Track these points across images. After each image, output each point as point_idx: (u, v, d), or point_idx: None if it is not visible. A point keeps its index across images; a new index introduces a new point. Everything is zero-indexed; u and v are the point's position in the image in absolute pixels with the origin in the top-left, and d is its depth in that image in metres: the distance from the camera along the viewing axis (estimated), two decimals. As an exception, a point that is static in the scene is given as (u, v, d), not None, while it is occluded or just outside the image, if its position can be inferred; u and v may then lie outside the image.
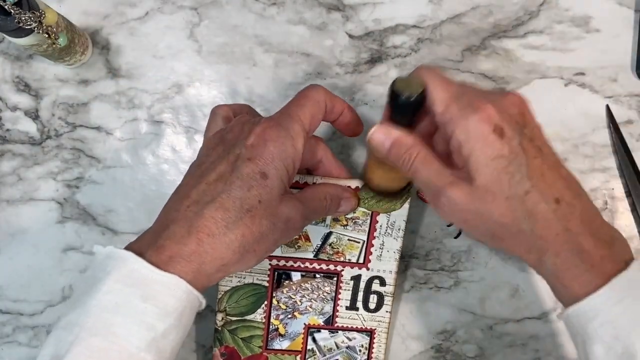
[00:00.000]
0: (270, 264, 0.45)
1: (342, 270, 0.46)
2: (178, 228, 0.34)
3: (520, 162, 0.32)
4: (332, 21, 0.50)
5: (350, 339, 0.47)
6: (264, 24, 0.50)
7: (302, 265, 0.45)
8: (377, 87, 0.50)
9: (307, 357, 0.47)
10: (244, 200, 0.34)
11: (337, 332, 0.47)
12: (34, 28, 0.40)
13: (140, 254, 0.33)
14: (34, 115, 0.49)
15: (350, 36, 0.50)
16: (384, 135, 0.37)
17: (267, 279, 0.45)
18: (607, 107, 0.50)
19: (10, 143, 0.50)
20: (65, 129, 0.49)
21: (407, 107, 0.35)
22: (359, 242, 0.45)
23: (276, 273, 0.45)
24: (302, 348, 0.47)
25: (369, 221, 0.44)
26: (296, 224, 0.37)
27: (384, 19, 0.50)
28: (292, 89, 0.50)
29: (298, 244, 0.45)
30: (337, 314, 0.47)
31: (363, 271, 0.46)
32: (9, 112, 0.49)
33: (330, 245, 0.45)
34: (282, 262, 0.45)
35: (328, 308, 0.46)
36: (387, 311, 0.47)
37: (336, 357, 0.47)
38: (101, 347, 0.31)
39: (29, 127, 0.49)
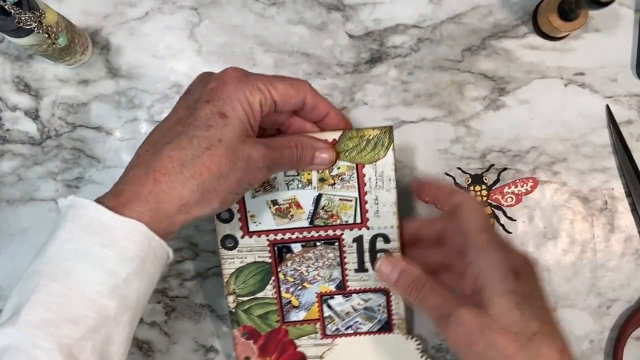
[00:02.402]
0: (267, 240, 0.45)
1: (342, 234, 0.45)
2: (136, 171, 0.35)
3: (531, 304, 0.35)
4: (332, 21, 0.50)
5: (366, 300, 0.46)
6: (264, 24, 0.50)
7: (300, 236, 0.45)
8: (377, 87, 0.50)
9: (326, 323, 0.47)
10: (202, 139, 0.35)
11: (351, 295, 0.46)
12: (34, 28, 0.40)
13: (101, 201, 0.33)
14: (34, 115, 0.49)
15: (350, 36, 0.50)
16: (391, 266, 0.41)
17: (269, 254, 0.45)
18: (607, 107, 0.50)
19: (10, 143, 0.50)
20: (65, 129, 0.49)
21: None
22: (351, 201, 0.44)
23: (276, 248, 0.45)
24: (319, 316, 0.46)
25: (355, 175, 0.43)
26: (258, 164, 0.36)
27: (384, 19, 0.50)
28: (292, 89, 0.50)
29: (291, 213, 0.44)
30: (346, 278, 0.45)
31: (363, 231, 0.44)
32: (9, 112, 0.49)
33: (323, 209, 0.44)
34: (279, 236, 0.45)
35: (337, 274, 0.45)
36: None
37: (356, 320, 0.46)
38: (62, 293, 0.31)
39: (29, 127, 0.49)
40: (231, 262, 0.45)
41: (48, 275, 0.32)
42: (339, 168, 0.43)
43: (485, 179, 0.50)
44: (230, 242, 0.45)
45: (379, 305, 0.46)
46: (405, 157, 0.50)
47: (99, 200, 0.34)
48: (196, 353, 0.50)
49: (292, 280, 0.45)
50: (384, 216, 0.44)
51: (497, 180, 0.50)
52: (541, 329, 0.34)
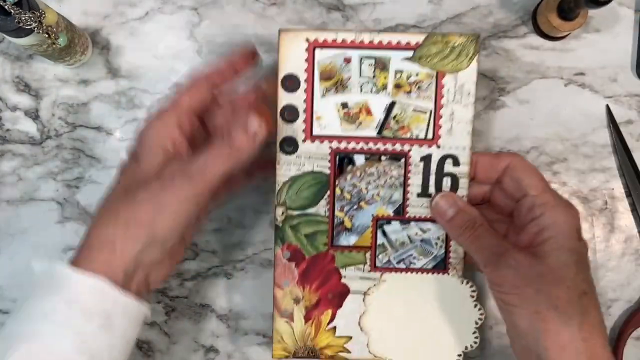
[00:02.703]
0: (330, 147, 0.42)
1: (410, 150, 0.42)
2: (88, 229, 0.37)
3: (586, 266, 0.37)
4: (332, 21, 0.50)
5: (424, 231, 0.43)
6: (264, 24, 0.50)
7: (366, 147, 0.42)
8: (377, 87, 0.50)
9: (377, 253, 0.43)
10: (122, 186, 0.38)
11: (409, 223, 0.43)
12: (34, 28, 0.40)
13: (72, 257, 0.36)
14: (34, 115, 0.49)
15: (350, 36, 0.50)
16: (449, 203, 0.41)
17: (329, 165, 0.42)
18: (607, 107, 0.50)
19: (10, 143, 0.50)
20: (65, 129, 0.49)
21: None
22: (425, 113, 0.41)
23: (337, 157, 0.42)
24: (371, 243, 0.43)
25: (434, 85, 0.41)
26: (173, 179, 0.37)
27: (384, 19, 0.50)
28: (292, 89, 0.50)
29: (359, 120, 0.41)
30: (407, 202, 0.43)
31: (433, 149, 0.42)
32: (9, 112, 0.49)
33: (394, 118, 0.41)
34: (343, 145, 0.42)
35: (397, 196, 0.43)
36: (463, 195, 0.42)
37: (410, 252, 0.43)
38: (33, 354, 0.33)
39: (29, 127, 0.49)
40: (287, 168, 0.42)
41: (19, 337, 0.33)
42: (417, 75, 0.41)
43: (485, 179, 0.50)
44: (289, 146, 0.42)
45: (438, 238, 0.43)
46: (405, 157, 0.50)
47: (80, 254, 0.36)
48: (196, 353, 0.50)
49: (349, 197, 0.42)
50: (457, 134, 0.41)
51: (497, 180, 0.50)
52: (590, 291, 0.36)
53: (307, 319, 0.44)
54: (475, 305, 0.43)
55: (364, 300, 0.44)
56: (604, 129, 0.50)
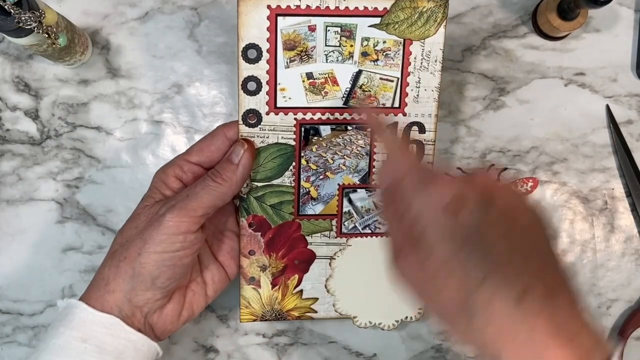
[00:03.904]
0: (295, 118, 0.41)
1: (376, 119, 0.41)
2: (120, 264, 0.38)
3: (476, 243, 0.28)
4: (332, 21, 0.50)
5: None
6: (264, 24, 0.50)
7: (332, 117, 0.41)
8: (377, 87, 0.50)
9: (343, 220, 0.44)
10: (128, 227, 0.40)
11: (375, 190, 0.43)
12: (34, 28, 0.40)
13: (88, 295, 0.38)
14: (34, 115, 0.49)
15: (350, 36, 0.50)
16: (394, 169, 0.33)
17: (294, 136, 0.41)
18: (607, 107, 0.50)
19: (10, 143, 0.50)
20: (65, 129, 0.49)
21: None
22: (392, 81, 0.41)
23: (303, 128, 0.41)
24: (337, 211, 0.43)
25: (401, 52, 0.40)
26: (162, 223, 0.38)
27: (384, 19, 0.50)
28: (292, 89, 0.50)
29: (325, 90, 0.40)
30: (373, 170, 0.42)
31: (399, 117, 0.41)
32: (9, 112, 0.49)
33: (361, 87, 0.40)
34: (308, 115, 0.41)
35: (363, 164, 0.42)
36: (429, 162, 0.43)
37: (375, 218, 0.44)
38: None
39: (29, 127, 0.49)
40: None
41: None
42: (384, 42, 0.40)
43: (485, 179, 0.50)
44: (252, 118, 0.41)
45: None
46: (405, 157, 0.50)
47: (86, 293, 0.38)
48: (196, 353, 0.50)
49: (315, 168, 0.42)
50: (423, 102, 0.41)
51: (497, 181, 0.50)
52: (494, 271, 0.27)
53: (274, 284, 0.45)
54: None
55: (330, 264, 0.45)
56: (604, 129, 0.50)
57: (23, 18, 0.39)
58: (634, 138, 0.50)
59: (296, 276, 0.45)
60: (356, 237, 0.44)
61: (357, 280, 0.45)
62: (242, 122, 0.41)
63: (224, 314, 0.50)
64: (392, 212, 0.33)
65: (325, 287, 0.45)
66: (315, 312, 0.46)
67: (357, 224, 0.44)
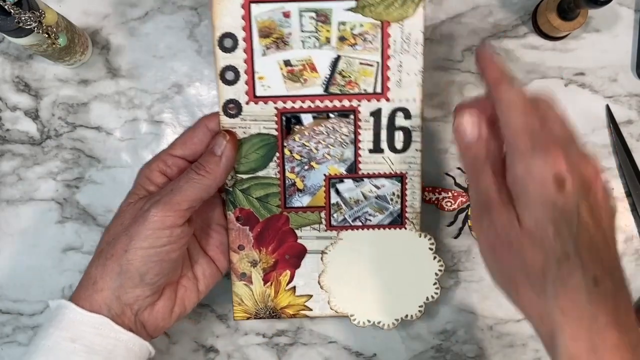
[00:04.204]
0: (275, 108, 0.40)
1: (359, 105, 0.40)
2: (108, 263, 0.38)
3: (571, 221, 0.29)
4: (332, 21, 0.50)
5: (378, 187, 0.42)
6: (264, 24, 0.50)
7: (313, 105, 0.40)
8: (377, 87, 0.50)
9: (332, 212, 0.43)
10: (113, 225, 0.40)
11: (363, 180, 0.41)
12: (34, 28, 0.40)
13: (77, 295, 0.38)
14: (34, 115, 0.49)
15: (350, 36, 0.50)
16: (472, 126, 0.33)
17: (275, 126, 0.41)
18: (607, 107, 0.50)
19: (10, 143, 0.50)
20: (65, 129, 0.49)
21: None
22: (372, 65, 0.39)
23: (284, 118, 0.40)
24: (325, 203, 0.42)
25: (380, 35, 0.39)
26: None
27: (384, 19, 0.50)
28: (292, 89, 0.50)
29: (304, 77, 0.40)
30: (359, 159, 0.41)
31: (383, 103, 0.40)
32: (9, 112, 0.49)
33: (340, 74, 0.40)
34: (289, 104, 0.40)
35: (349, 153, 0.41)
36: (417, 149, 0.41)
37: (365, 210, 0.42)
38: None
39: (29, 127, 0.49)
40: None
41: None
42: (362, 25, 0.39)
43: (485, 179, 0.50)
44: (233, 109, 0.40)
45: (393, 194, 0.42)
46: (405, 157, 0.50)
47: (75, 293, 0.38)
48: (196, 353, 0.50)
49: (299, 158, 0.41)
50: (406, 86, 0.40)
51: (497, 180, 0.50)
52: (579, 251, 0.29)
53: (265, 280, 0.44)
54: (435, 258, 0.43)
55: (321, 259, 0.44)
56: (604, 129, 0.50)
57: (23, 18, 0.39)
58: (634, 138, 0.50)
59: (288, 272, 0.44)
60: (347, 229, 0.43)
61: (351, 275, 0.44)
62: (222, 113, 0.40)
63: (224, 314, 0.50)
64: (483, 164, 0.33)
65: (319, 283, 0.44)
66: (310, 309, 0.45)
67: (346, 216, 0.43)
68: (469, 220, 0.50)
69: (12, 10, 0.38)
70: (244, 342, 0.50)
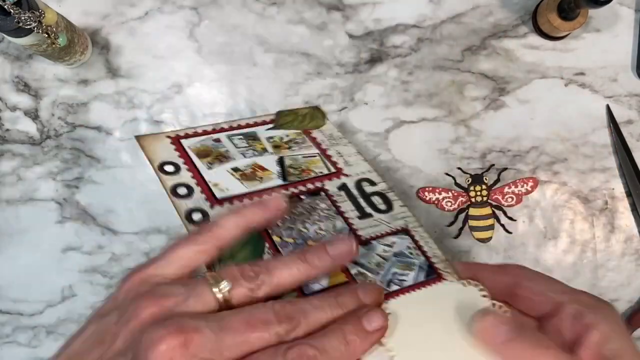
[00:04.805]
0: (243, 204, 0.38)
1: (323, 185, 0.39)
2: None
3: None
4: (332, 21, 0.50)
5: (390, 245, 0.37)
6: (264, 23, 0.50)
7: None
8: (377, 86, 0.50)
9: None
10: None
11: (371, 242, 0.37)
12: (34, 28, 0.40)
13: None
14: (33, 115, 0.49)
15: (350, 36, 0.50)
16: (496, 322, 0.31)
17: None
18: (607, 107, 0.50)
19: (10, 143, 0.50)
20: (65, 129, 0.49)
21: None
22: (315, 156, 0.40)
23: None
24: (347, 276, 0.35)
25: (307, 139, 0.41)
26: None
27: (384, 19, 0.50)
28: (292, 88, 0.50)
29: (258, 176, 0.38)
30: (353, 227, 0.37)
31: (344, 179, 0.40)
32: (8, 112, 0.49)
33: (290, 167, 0.39)
34: (255, 199, 0.37)
35: (340, 224, 0.37)
36: (401, 205, 0.39)
37: (392, 270, 0.36)
38: None
39: (29, 127, 0.49)
40: None
41: None
42: (287, 135, 0.41)
43: (486, 179, 0.50)
44: (197, 215, 0.36)
45: (408, 247, 0.37)
46: (405, 157, 0.50)
47: None
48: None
49: (293, 240, 0.36)
50: (355, 164, 0.40)
51: (498, 180, 0.50)
52: None
53: None
54: (494, 305, 0.35)
55: (383, 344, 0.33)
56: (604, 129, 0.50)
57: (23, 18, 0.39)
58: (634, 138, 0.50)
59: None
60: (387, 298, 0.35)
61: (422, 351, 0.33)
62: (188, 223, 0.35)
63: (224, 314, 0.50)
64: None
65: None
66: None
67: (378, 283, 0.36)
68: (469, 220, 0.50)
69: (12, 10, 0.38)
70: None
